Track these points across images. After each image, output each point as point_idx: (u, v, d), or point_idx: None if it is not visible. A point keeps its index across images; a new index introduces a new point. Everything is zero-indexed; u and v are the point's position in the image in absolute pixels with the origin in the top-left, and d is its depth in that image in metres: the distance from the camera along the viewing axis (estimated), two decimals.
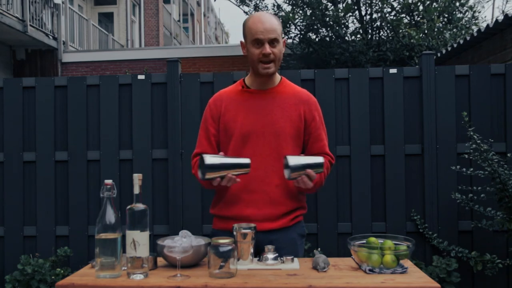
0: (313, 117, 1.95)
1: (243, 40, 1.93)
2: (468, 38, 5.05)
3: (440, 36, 7.11)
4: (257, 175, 1.86)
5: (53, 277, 3.34)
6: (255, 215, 1.87)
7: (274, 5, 8.31)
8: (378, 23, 7.61)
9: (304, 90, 2.02)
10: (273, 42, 1.83)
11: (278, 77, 1.99)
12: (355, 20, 7.95)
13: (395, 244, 1.70)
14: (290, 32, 8.32)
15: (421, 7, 7.38)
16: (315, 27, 7.69)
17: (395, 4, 7.42)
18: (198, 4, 27.08)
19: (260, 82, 1.94)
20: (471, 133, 2.96)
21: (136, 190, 1.63)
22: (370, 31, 7.75)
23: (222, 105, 1.95)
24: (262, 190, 1.88)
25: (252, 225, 1.77)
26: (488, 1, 24.00)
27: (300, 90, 2.00)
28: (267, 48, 1.82)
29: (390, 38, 7.49)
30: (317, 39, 7.89)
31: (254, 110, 1.91)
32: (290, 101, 1.93)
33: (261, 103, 1.92)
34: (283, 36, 1.92)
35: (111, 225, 1.58)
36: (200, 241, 1.76)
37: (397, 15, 7.50)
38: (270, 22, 1.83)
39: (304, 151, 1.98)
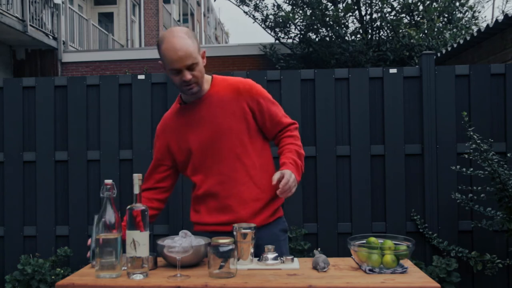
0: (258, 102, 1.89)
1: (161, 62, 1.84)
2: (468, 38, 5.05)
3: (440, 36, 7.11)
4: (222, 181, 1.88)
5: (53, 277, 3.34)
6: (233, 219, 1.87)
7: (274, 5, 8.31)
8: (378, 23, 7.61)
9: (236, 80, 1.92)
10: (191, 67, 1.76)
11: (207, 79, 1.92)
12: (355, 20, 7.95)
13: (395, 244, 1.70)
14: (290, 32, 8.32)
15: (421, 7, 7.38)
16: (315, 27, 7.70)
17: (395, 4, 7.42)
18: (198, 4, 27.08)
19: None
20: (471, 133, 2.96)
21: (136, 190, 1.63)
22: (370, 31, 7.75)
23: (167, 133, 1.96)
24: (231, 194, 1.87)
25: (252, 225, 1.77)
26: (488, 1, 24.02)
27: (233, 82, 1.91)
28: (187, 75, 1.76)
29: (390, 38, 7.49)
30: (317, 39, 7.89)
31: (198, 122, 1.89)
32: (228, 98, 1.88)
33: (201, 112, 1.89)
34: (200, 49, 1.80)
35: (111, 225, 1.58)
36: (200, 241, 1.76)
37: (397, 15, 7.50)
38: (183, 48, 1.73)
39: (268, 134, 1.96)
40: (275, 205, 1.95)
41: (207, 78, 1.92)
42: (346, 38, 7.65)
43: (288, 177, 1.74)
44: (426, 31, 7.12)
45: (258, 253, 1.80)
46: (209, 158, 1.89)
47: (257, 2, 8.45)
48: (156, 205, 2.00)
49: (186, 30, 1.81)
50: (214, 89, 1.90)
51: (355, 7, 7.60)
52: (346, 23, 7.63)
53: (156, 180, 2.01)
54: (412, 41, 6.99)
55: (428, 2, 7.37)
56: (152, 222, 2.01)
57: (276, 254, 1.76)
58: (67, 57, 10.42)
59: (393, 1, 7.38)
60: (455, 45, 5.42)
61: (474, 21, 7.86)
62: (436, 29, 7.15)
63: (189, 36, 1.77)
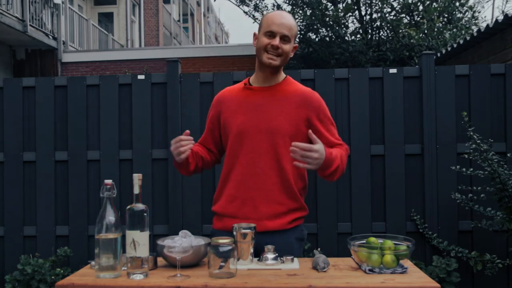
0: (317, 117, 1.93)
1: (257, 32, 1.95)
2: (468, 38, 5.05)
3: (440, 36, 7.11)
4: (254, 173, 1.87)
5: (53, 277, 3.34)
6: (252, 213, 1.86)
7: (274, 5, 8.31)
8: (378, 23, 7.61)
9: (307, 90, 1.98)
10: (284, 38, 1.86)
11: (282, 75, 1.98)
12: (355, 20, 7.95)
13: (395, 244, 1.70)
14: None
15: (421, 7, 7.38)
16: (315, 27, 7.69)
17: (395, 4, 7.42)
18: (198, 4, 27.08)
19: (263, 78, 1.94)
20: (471, 133, 2.96)
21: (136, 190, 1.63)
22: (370, 31, 7.75)
23: (223, 103, 1.99)
24: (259, 187, 1.87)
25: (252, 225, 1.77)
26: (488, 1, 24.03)
27: (303, 90, 1.97)
28: (277, 41, 1.85)
29: (390, 38, 7.49)
30: (317, 39, 7.89)
31: (252, 108, 1.91)
32: (291, 100, 1.91)
33: (260, 100, 1.92)
34: (296, 41, 1.94)
35: (111, 225, 1.58)
36: (200, 241, 1.76)
37: (397, 15, 7.50)
38: (288, 20, 1.87)
39: None
40: (297, 214, 1.94)
41: (282, 75, 1.98)
42: (346, 38, 7.64)
43: (317, 148, 1.71)
44: (426, 31, 7.12)
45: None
46: (248, 146, 1.89)
47: (257, 2, 8.45)
48: (208, 158, 2.05)
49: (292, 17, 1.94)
50: (283, 86, 1.95)
51: (355, 7, 7.60)
52: (346, 23, 7.62)
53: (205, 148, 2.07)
54: (412, 41, 6.99)
55: (428, 2, 7.36)
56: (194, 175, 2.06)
57: (276, 254, 1.76)
58: (67, 57, 10.42)
59: (393, 1, 7.38)
60: (455, 45, 5.42)
61: (474, 21, 7.86)
62: (436, 29, 7.14)
63: (295, 21, 1.92)
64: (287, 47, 1.87)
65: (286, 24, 1.85)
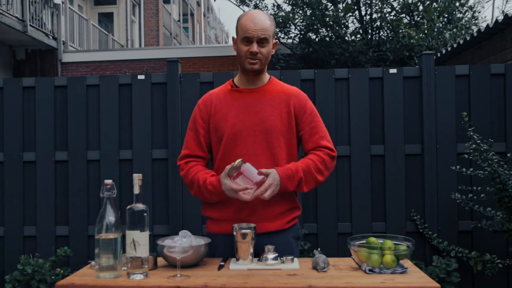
0: (304, 111, 1.93)
1: (235, 36, 1.92)
2: (468, 38, 5.05)
3: (440, 36, 7.11)
4: None
5: (53, 277, 3.34)
6: (251, 216, 1.85)
7: (274, 5, 8.31)
8: (378, 23, 7.61)
9: (293, 87, 2.00)
10: (262, 41, 1.84)
11: (267, 76, 1.99)
12: (355, 20, 7.95)
13: (395, 244, 1.70)
14: (290, 32, 8.32)
15: (421, 7, 7.38)
16: (315, 27, 7.69)
17: (395, 4, 7.42)
18: (198, 4, 27.07)
19: (248, 81, 1.94)
20: (471, 133, 2.96)
21: (136, 190, 1.63)
22: (370, 31, 7.75)
23: (212, 106, 1.95)
24: None
25: (252, 225, 1.77)
26: (488, 1, 24.03)
27: (289, 87, 1.99)
28: (255, 47, 1.83)
29: (390, 38, 7.49)
30: (317, 39, 7.89)
31: (244, 109, 1.90)
32: (280, 98, 1.92)
33: (250, 101, 1.91)
34: (276, 37, 1.93)
35: (111, 225, 1.58)
36: (200, 241, 1.76)
37: (397, 15, 7.50)
38: (262, 22, 1.83)
39: (301, 146, 1.97)
40: (293, 214, 1.95)
41: (267, 76, 1.99)
42: (346, 38, 7.64)
43: (270, 181, 1.74)
44: (426, 31, 7.12)
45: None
46: (242, 147, 1.87)
47: (257, 2, 8.45)
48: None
49: (269, 15, 1.92)
50: (269, 87, 1.95)
51: (355, 7, 7.60)
52: (346, 23, 7.62)
53: (195, 154, 1.96)
54: (412, 41, 6.99)
55: (428, 2, 7.37)
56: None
57: (276, 254, 1.76)
58: (67, 57, 10.42)
59: (393, 1, 7.38)
60: (455, 45, 5.42)
61: (474, 21, 7.86)
62: (436, 29, 7.15)
63: (270, 19, 1.89)
64: (265, 50, 1.86)
65: (260, 28, 1.82)
